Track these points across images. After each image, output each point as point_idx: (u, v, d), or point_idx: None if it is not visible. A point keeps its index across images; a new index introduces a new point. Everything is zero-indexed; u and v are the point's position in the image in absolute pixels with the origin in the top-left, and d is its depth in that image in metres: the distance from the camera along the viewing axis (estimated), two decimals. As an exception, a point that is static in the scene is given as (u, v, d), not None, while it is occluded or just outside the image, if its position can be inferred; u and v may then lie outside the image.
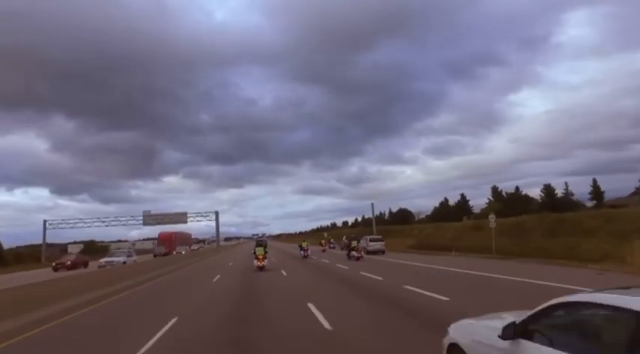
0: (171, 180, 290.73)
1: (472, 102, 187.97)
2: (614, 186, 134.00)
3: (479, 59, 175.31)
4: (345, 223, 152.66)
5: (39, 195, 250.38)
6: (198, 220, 70.69)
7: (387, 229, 57.02)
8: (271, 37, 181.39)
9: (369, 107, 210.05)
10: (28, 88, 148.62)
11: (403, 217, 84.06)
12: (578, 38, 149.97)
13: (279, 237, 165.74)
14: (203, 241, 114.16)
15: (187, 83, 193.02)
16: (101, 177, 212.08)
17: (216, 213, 72.07)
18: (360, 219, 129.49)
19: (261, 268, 21.10)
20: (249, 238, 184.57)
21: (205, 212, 72.58)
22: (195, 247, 77.18)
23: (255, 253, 21.74)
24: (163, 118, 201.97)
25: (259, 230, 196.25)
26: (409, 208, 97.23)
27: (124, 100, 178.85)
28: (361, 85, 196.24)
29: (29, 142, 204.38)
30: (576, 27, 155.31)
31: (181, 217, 68.96)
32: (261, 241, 23.42)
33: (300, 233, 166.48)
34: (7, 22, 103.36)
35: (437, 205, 76.89)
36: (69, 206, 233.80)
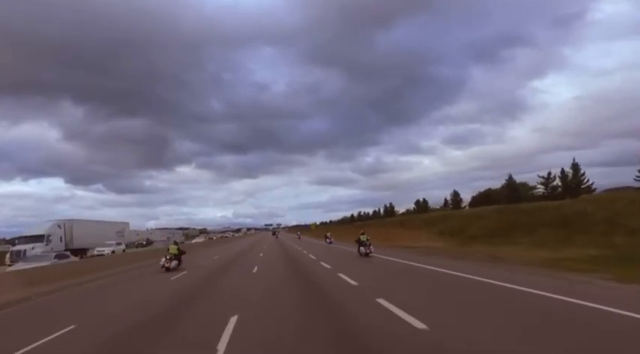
0: (184, 170, 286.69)
1: (494, 88, 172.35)
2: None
3: (502, 40, 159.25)
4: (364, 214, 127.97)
5: (55, 185, 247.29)
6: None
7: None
8: (285, 16, 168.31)
9: (385, 93, 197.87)
10: (35, 74, 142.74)
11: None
12: (615, 15, 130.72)
13: (295, 228, 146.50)
14: None
15: (195, 66, 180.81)
16: (114, 166, 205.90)
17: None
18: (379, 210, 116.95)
19: (167, 269, 18.58)
20: (262, 229, 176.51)
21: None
22: None
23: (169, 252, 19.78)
24: (173, 105, 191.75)
25: (275, 221, 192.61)
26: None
27: (132, 84, 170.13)
28: (378, 69, 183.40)
29: (41, 131, 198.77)
30: (613, 2, 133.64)
31: None
32: (176, 241, 22.59)
33: (323, 223, 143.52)
34: (10, 7, 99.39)
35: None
36: (85, 196, 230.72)
